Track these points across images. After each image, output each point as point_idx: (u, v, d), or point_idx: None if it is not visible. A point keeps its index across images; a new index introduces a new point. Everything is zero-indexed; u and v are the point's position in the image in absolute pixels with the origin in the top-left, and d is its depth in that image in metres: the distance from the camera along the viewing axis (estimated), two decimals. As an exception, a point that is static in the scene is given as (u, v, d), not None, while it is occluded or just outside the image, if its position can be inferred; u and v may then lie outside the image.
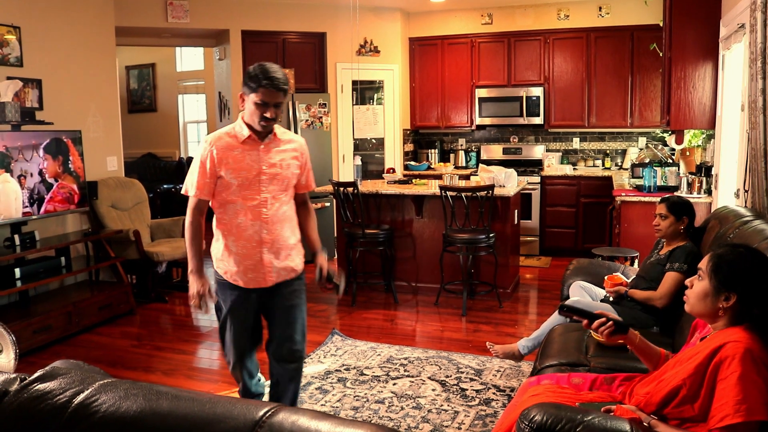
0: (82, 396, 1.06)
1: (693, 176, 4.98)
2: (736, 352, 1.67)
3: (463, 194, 4.94)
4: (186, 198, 2.67)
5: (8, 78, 4.60)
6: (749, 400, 1.61)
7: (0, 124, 4.47)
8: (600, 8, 6.99)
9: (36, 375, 1.13)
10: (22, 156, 4.52)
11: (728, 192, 4.22)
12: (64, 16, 5.19)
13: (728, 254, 1.85)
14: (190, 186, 2.60)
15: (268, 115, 2.50)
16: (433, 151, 7.93)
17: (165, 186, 9.81)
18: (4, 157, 4.38)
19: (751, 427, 1.61)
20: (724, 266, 1.82)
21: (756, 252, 1.88)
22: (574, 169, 7.18)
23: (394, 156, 7.59)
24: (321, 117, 6.79)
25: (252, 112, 2.52)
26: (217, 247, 2.67)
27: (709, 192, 4.82)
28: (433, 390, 3.54)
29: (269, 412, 0.98)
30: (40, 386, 1.10)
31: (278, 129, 2.66)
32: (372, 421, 3.16)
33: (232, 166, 2.55)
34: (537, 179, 6.93)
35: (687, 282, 1.95)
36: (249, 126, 2.56)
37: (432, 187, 5.49)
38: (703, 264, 1.88)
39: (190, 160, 10.40)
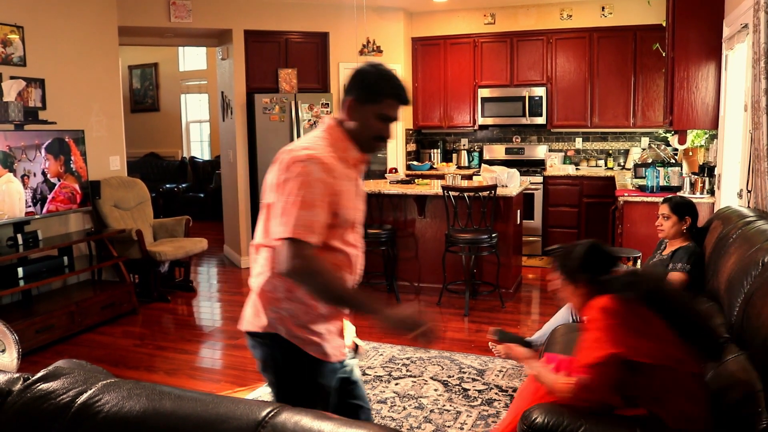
0: (85, 396, 1.06)
1: (696, 176, 4.97)
2: (591, 314, 1.99)
3: (465, 194, 4.93)
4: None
5: (11, 77, 4.61)
6: (603, 343, 1.87)
7: (3, 123, 4.48)
8: (603, 8, 6.98)
9: (39, 374, 1.13)
10: (25, 156, 4.53)
11: (731, 192, 4.21)
12: (68, 15, 5.20)
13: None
14: (305, 229, 1.71)
15: (387, 134, 1.89)
16: (435, 151, 7.93)
17: (167, 186, 9.84)
18: (8, 157, 4.39)
19: (610, 364, 1.84)
20: (556, 263, 2.25)
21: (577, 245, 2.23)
22: (576, 169, 7.17)
23: (396, 156, 7.59)
24: (324, 117, 6.79)
25: (368, 127, 1.86)
26: (293, 306, 1.84)
27: (711, 192, 4.81)
28: (436, 390, 3.54)
29: (272, 412, 0.98)
30: (44, 386, 1.10)
31: None
32: (374, 422, 3.16)
33: (350, 203, 1.86)
34: (539, 179, 6.92)
35: None
36: (358, 144, 1.89)
37: (434, 187, 5.49)
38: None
39: (192, 159, 10.42)
